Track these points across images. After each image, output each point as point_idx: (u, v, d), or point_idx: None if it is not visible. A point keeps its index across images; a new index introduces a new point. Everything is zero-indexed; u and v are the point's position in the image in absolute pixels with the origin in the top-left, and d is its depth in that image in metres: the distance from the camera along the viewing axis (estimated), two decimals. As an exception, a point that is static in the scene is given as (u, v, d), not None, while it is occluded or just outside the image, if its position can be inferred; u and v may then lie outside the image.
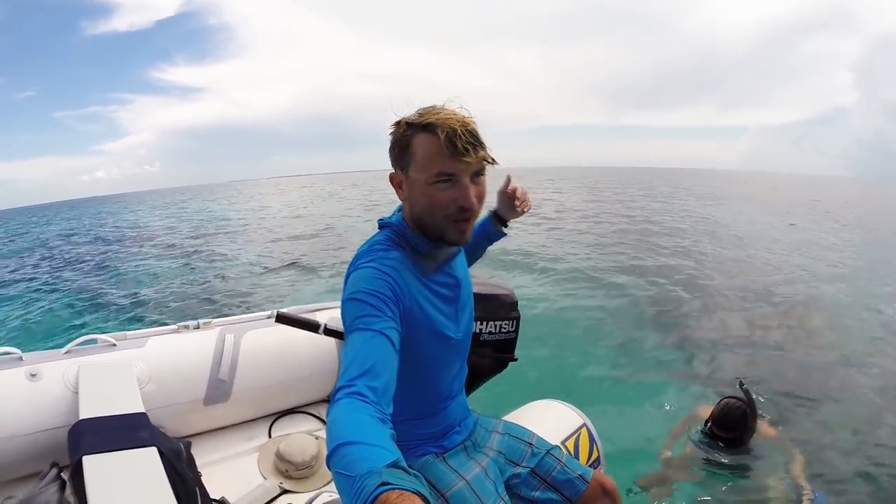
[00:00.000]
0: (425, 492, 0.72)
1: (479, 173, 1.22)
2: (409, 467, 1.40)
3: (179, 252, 13.13)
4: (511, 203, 1.65)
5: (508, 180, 1.61)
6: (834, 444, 3.58)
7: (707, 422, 3.21)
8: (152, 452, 1.44)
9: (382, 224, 1.35)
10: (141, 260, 12.18)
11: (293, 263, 10.61)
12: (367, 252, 1.26)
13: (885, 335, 6.08)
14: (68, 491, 1.46)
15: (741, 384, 3.24)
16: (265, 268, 10.23)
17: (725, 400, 3.16)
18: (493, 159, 1.21)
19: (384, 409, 0.92)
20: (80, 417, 1.54)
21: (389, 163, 1.28)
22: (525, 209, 1.67)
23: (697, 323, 6.21)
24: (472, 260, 1.72)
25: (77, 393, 1.76)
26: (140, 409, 1.66)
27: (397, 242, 1.29)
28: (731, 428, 3.08)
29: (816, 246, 12.46)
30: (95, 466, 1.33)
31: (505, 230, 1.72)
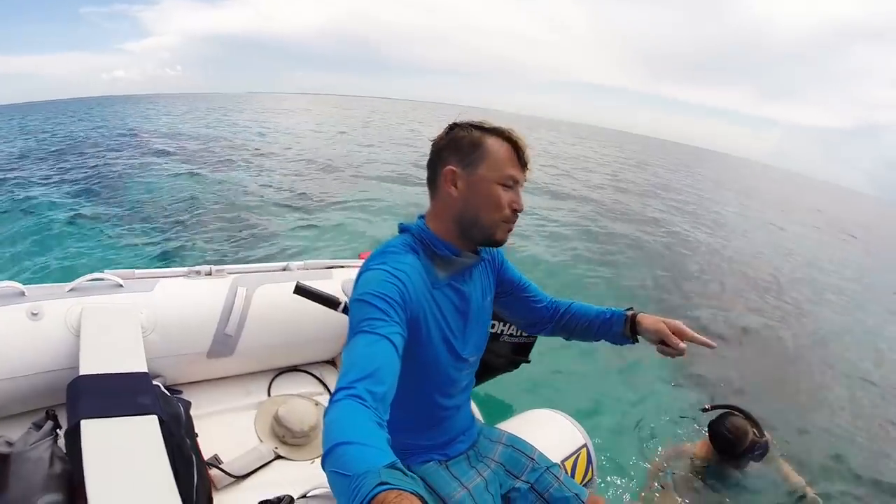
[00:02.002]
0: (423, 493, 0.71)
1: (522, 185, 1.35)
2: (412, 473, 1.38)
3: (201, 171, 12.32)
4: (662, 338, 1.41)
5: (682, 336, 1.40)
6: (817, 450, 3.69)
7: (706, 459, 3.00)
8: (152, 421, 1.39)
9: (402, 229, 1.38)
10: (155, 174, 11.39)
11: (315, 196, 10.23)
12: (380, 254, 1.29)
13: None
14: (60, 442, 1.43)
15: (705, 410, 3.18)
16: (286, 202, 9.75)
17: (714, 429, 2.92)
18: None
19: (382, 414, 0.93)
20: (81, 372, 1.49)
21: (444, 159, 1.32)
22: (673, 353, 1.41)
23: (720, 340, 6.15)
24: (572, 338, 1.62)
25: (78, 336, 1.70)
26: (142, 367, 1.60)
27: (413, 248, 1.31)
28: (732, 442, 2.84)
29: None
30: (93, 432, 1.28)
31: (631, 342, 1.52)
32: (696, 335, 1.39)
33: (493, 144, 1.28)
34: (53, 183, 10.44)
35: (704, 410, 3.19)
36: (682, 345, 1.38)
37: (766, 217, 18.59)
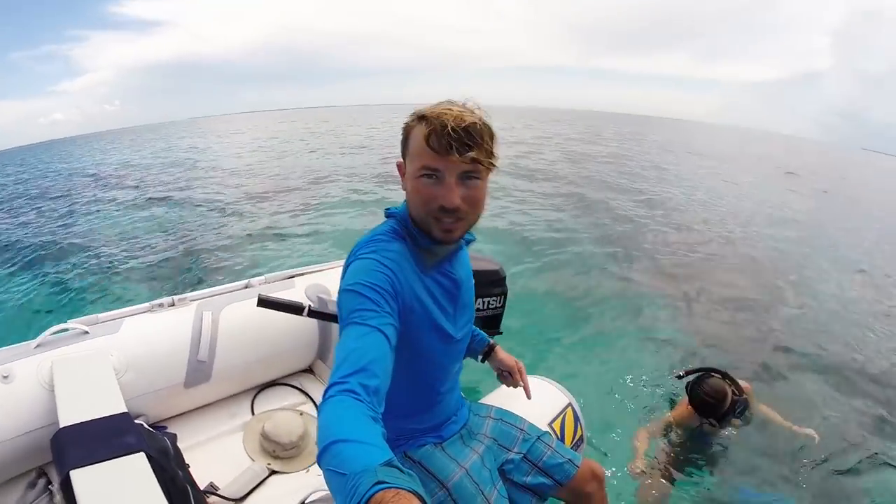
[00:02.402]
0: (421, 491, 0.70)
1: (469, 175, 1.14)
2: (409, 457, 1.42)
3: (143, 202, 12.09)
4: (504, 372, 1.73)
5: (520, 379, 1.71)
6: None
7: (688, 425, 3.02)
8: (140, 458, 1.40)
9: (388, 214, 1.32)
10: (99, 216, 10.98)
11: (265, 212, 10.17)
12: (368, 242, 1.23)
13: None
14: (56, 500, 1.44)
15: (680, 377, 3.18)
16: (237, 219, 9.69)
17: (694, 394, 2.93)
18: (488, 163, 1.14)
19: (376, 408, 0.90)
20: (61, 425, 1.49)
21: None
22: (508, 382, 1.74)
23: (672, 282, 6.32)
24: None
25: (53, 391, 1.70)
26: (121, 408, 1.61)
27: (400, 234, 1.26)
28: (713, 405, 2.86)
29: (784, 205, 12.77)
30: (85, 481, 1.29)
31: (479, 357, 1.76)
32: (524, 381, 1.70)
33: (417, 132, 1.15)
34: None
35: (679, 377, 3.16)
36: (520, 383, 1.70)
37: (712, 170, 19.03)
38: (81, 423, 1.51)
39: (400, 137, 1.22)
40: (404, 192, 1.25)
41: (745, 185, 16.58)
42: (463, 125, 1.09)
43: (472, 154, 1.10)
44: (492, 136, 1.15)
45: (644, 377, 3.97)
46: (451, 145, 1.09)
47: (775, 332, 5.12)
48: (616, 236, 8.42)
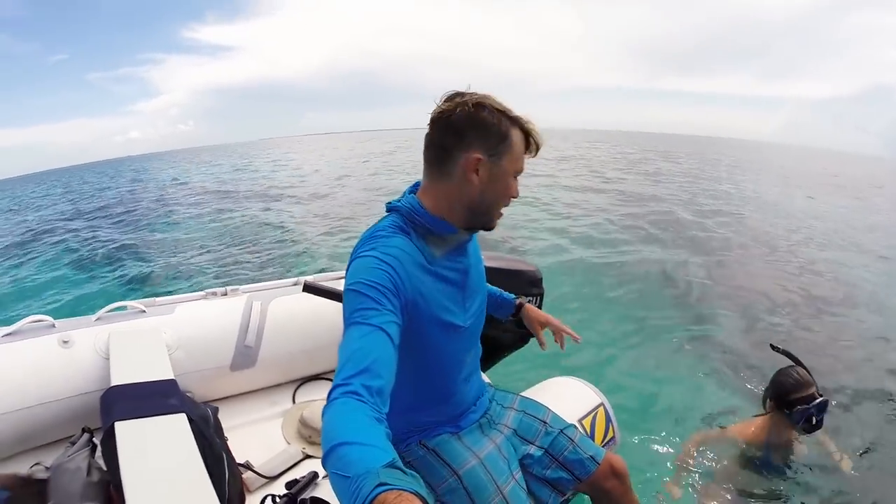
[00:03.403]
0: (423, 492, 0.72)
1: None
2: (424, 445, 1.44)
3: (209, 213, 13.06)
4: (542, 327, 1.77)
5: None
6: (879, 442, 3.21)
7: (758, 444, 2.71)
8: (182, 419, 1.48)
9: (390, 208, 1.34)
10: (171, 222, 12.12)
11: (324, 227, 10.56)
12: (368, 239, 1.26)
13: None
14: (97, 454, 1.52)
15: (774, 347, 2.81)
16: (296, 232, 10.16)
17: (779, 376, 2.71)
18: None
19: (380, 408, 0.92)
20: (112, 384, 1.59)
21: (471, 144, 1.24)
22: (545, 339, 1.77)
23: (723, 301, 6.06)
24: None
25: (108, 359, 1.82)
26: (170, 375, 1.70)
27: (403, 228, 1.28)
28: (795, 388, 2.59)
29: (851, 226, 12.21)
30: (127, 432, 1.37)
31: (510, 318, 1.82)
32: (566, 328, 1.74)
33: (516, 136, 1.27)
34: (81, 233, 11.29)
35: (774, 348, 2.83)
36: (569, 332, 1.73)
37: (787, 192, 18.39)
38: (131, 383, 1.60)
39: (481, 132, 1.24)
40: (467, 183, 1.26)
41: (820, 203, 15.97)
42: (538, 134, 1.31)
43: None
44: None
45: (693, 391, 3.88)
46: (538, 149, 1.32)
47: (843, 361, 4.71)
48: (682, 249, 8.34)
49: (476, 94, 1.24)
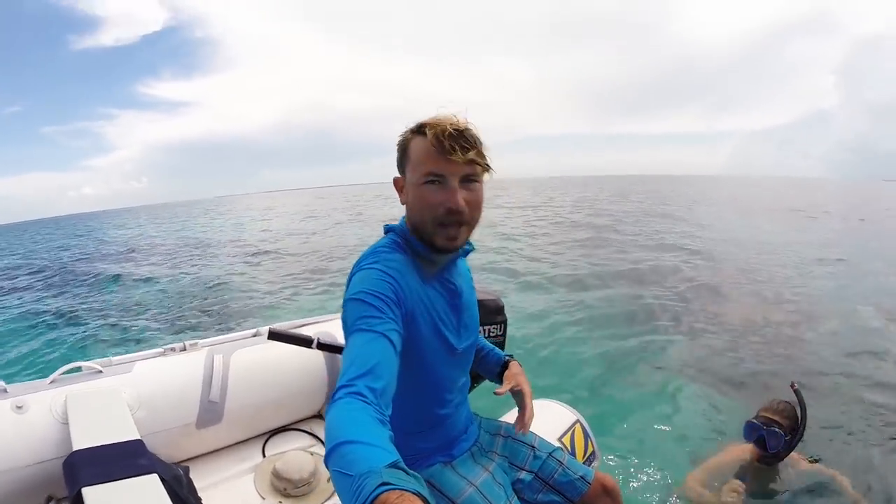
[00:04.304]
0: (425, 493, 0.72)
1: (471, 178, 1.23)
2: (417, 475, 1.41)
3: (164, 270, 12.96)
4: (513, 388, 1.58)
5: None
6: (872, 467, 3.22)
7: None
8: (154, 479, 1.40)
9: (387, 229, 1.37)
10: (126, 279, 11.87)
11: (280, 279, 10.55)
12: (371, 254, 1.28)
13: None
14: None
15: (793, 386, 2.79)
16: (252, 285, 10.17)
17: (777, 401, 2.79)
18: (486, 164, 1.23)
19: (384, 410, 0.93)
20: (74, 448, 1.50)
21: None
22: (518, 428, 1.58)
23: (691, 325, 6.30)
24: None
25: (66, 423, 1.71)
26: (135, 435, 1.62)
27: (401, 246, 1.30)
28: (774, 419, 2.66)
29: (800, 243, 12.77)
30: (97, 498, 1.29)
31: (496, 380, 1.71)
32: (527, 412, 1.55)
33: (415, 143, 1.24)
34: (29, 292, 11.17)
35: (792, 385, 2.81)
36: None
37: (734, 220, 19.10)
38: (95, 447, 1.51)
39: (398, 156, 1.32)
40: (404, 207, 1.32)
41: (766, 228, 16.75)
42: (459, 128, 1.19)
43: (471, 155, 1.18)
44: (481, 142, 1.23)
45: (664, 408, 4.00)
46: (453, 147, 1.17)
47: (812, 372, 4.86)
48: (644, 280, 8.66)
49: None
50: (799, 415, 2.70)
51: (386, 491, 0.68)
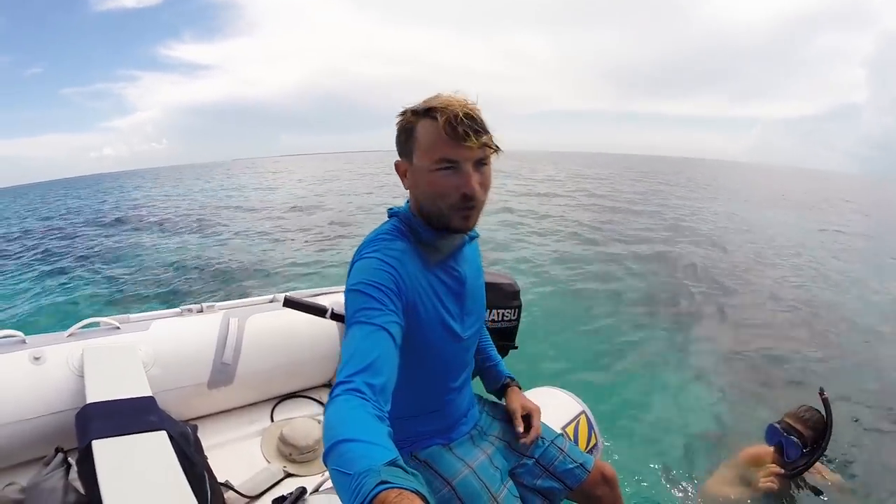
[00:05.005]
0: (424, 491, 0.71)
1: (482, 162, 1.20)
2: (416, 457, 1.42)
3: (184, 232, 13.00)
4: (518, 421, 1.58)
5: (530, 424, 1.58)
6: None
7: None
8: (162, 436, 1.43)
9: (391, 213, 1.34)
10: (146, 239, 11.99)
11: (300, 244, 10.55)
12: (372, 241, 1.25)
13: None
14: (73, 475, 1.46)
15: (822, 394, 2.65)
16: (271, 249, 10.16)
17: (805, 409, 2.68)
18: (496, 147, 1.20)
19: (382, 406, 0.92)
20: (87, 401, 1.53)
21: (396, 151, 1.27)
22: (523, 438, 1.56)
23: (702, 317, 6.14)
24: None
25: (82, 376, 1.75)
26: (147, 392, 1.65)
27: (404, 232, 1.27)
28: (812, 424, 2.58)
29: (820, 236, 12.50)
30: (105, 451, 1.32)
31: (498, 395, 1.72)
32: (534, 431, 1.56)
33: (423, 128, 1.18)
34: (53, 248, 11.27)
35: (821, 392, 2.67)
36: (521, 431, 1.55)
37: (758, 212, 18.54)
38: (108, 400, 1.55)
39: (399, 138, 1.25)
40: (408, 192, 1.28)
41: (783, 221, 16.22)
42: (470, 112, 1.15)
43: (485, 139, 1.16)
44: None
45: (673, 401, 3.94)
46: (466, 133, 1.13)
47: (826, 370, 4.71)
48: (666, 268, 8.47)
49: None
50: (826, 429, 2.56)
51: (385, 489, 0.68)
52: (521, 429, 1.55)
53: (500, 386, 1.69)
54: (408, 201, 1.34)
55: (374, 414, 0.87)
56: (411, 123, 1.20)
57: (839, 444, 2.86)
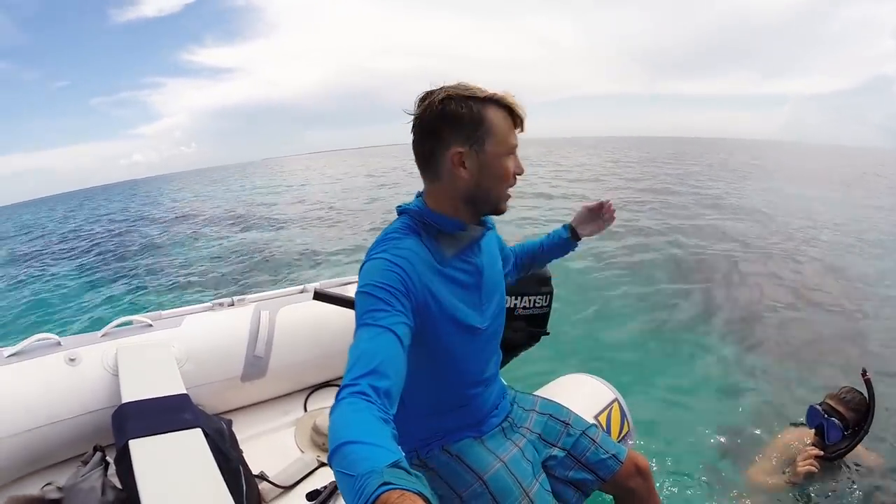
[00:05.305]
0: (427, 492, 0.71)
1: None
2: (448, 451, 1.41)
3: (215, 230, 13.15)
4: (599, 211, 1.73)
5: (601, 204, 1.73)
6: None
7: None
8: (197, 434, 1.45)
9: (401, 210, 1.33)
10: (175, 239, 12.16)
11: (327, 237, 10.61)
12: (380, 241, 1.25)
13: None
14: (111, 472, 1.49)
15: (864, 375, 2.54)
16: (300, 242, 10.20)
17: (847, 390, 2.58)
18: None
19: (388, 408, 0.91)
20: (123, 401, 1.56)
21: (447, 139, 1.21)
22: (612, 216, 1.75)
23: (738, 298, 5.93)
24: (535, 267, 1.83)
25: (117, 375, 1.79)
26: (181, 390, 1.68)
27: (414, 229, 1.26)
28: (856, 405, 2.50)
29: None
30: (142, 450, 1.35)
31: (577, 243, 1.80)
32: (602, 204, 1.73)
33: (494, 116, 1.22)
34: (84, 252, 11.54)
35: (864, 373, 2.55)
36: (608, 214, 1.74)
37: (798, 192, 17.93)
38: (143, 400, 1.58)
39: (454, 125, 1.20)
40: (458, 179, 1.23)
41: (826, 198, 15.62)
42: (520, 105, 1.25)
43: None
44: None
45: (708, 386, 3.81)
46: (523, 120, 1.27)
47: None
48: (706, 252, 8.12)
49: (445, 88, 1.21)
50: (868, 410, 2.47)
51: (387, 490, 0.68)
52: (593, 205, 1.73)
53: (568, 234, 1.77)
54: (418, 196, 1.33)
55: (378, 416, 0.87)
56: (480, 112, 1.20)
57: (882, 425, 2.76)
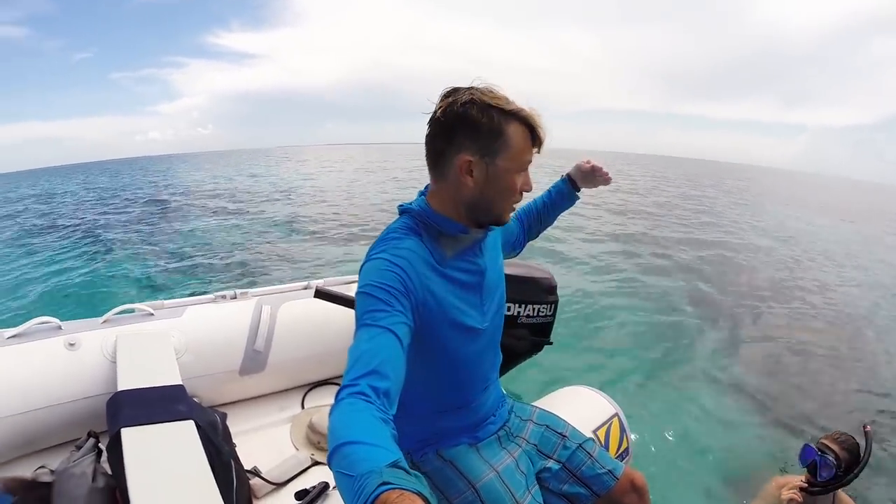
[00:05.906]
0: (426, 492, 0.71)
1: None
2: (441, 456, 1.40)
3: (223, 217, 13.13)
4: (592, 175, 1.72)
5: (589, 162, 1.71)
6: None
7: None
8: (189, 426, 1.45)
9: (402, 210, 1.32)
10: (183, 225, 12.06)
11: (336, 231, 10.63)
12: (381, 241, 1.24)
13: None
14: (104, 459, 1.49)
15: (866, 429, 2.54)
16: (308, 235, 10.25)
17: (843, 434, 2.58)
18: None
19: (387, 408, 0.92)
20: (119, 388, 1.57)
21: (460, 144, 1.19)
22: (607, 179, 1.74)
23: (743, 321, 5.95)
24: (544, 225, 1.80)
25: (115, 363, 1.79)
26: (177, 381, 1.68)
27: (415, 229, 1.25)
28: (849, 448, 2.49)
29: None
30: (134, 439, 1.35)
31: (578, 194, 1.78)
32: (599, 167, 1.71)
33: (514, 132, 1.19)
34: (90, 232, 11.42)
35: (864, 427, 2.57)
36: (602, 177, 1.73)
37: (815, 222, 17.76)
38: (138, 389, 1.58)
39: (470, 132, 1.18)
40: (462, 185, 1.22)
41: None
42: (542, 125, 1.23)
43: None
44: None
45: (708, 413, 3.79)
46: (542, 141, 1.25)
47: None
48: (713, 274, 8.18)
49: (472, 90, 1.17)
50: (861, 455, 2.45)
51: (386, 490, 0.69)
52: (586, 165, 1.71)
53: (567, 186, 1.76)
54: (421, 195, 1.32)
55: (377, 416, 0.87)
56: (500, 124, 1.18)
57: (867, 483, 2.75)
